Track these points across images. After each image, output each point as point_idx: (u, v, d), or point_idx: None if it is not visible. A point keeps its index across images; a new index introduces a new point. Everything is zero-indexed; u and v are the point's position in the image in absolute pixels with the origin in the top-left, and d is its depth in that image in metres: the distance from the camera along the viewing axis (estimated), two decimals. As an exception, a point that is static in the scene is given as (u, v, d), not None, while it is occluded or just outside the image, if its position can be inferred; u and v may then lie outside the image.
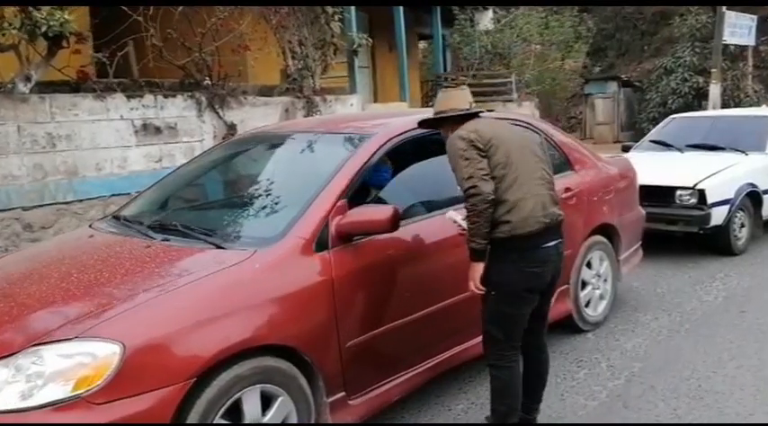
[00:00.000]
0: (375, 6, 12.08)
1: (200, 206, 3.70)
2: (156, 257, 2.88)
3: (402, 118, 3.83)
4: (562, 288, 4.43)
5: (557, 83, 20.11)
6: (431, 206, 3.56)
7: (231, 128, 7.16)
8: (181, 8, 6.85)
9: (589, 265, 4.69)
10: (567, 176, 4.50)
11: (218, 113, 7.15)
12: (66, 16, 5.39)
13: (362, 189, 3.75)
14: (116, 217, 3.70)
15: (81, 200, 6.01)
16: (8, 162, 5.59)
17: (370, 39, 10.07)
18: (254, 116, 7.49)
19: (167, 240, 3.08)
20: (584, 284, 4.66)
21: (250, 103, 7.57)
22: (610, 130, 19.76)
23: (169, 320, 2.44)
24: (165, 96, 6.75)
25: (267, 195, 3.39)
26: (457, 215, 3.23)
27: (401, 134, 3.48)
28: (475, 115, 3.25)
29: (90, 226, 3.66)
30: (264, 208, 3.30)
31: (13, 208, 5.64)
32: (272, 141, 3.91)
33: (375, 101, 13.33)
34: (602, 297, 4.83)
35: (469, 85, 12.37)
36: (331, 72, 10.48)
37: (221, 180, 3.76)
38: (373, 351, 3.12)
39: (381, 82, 14.35)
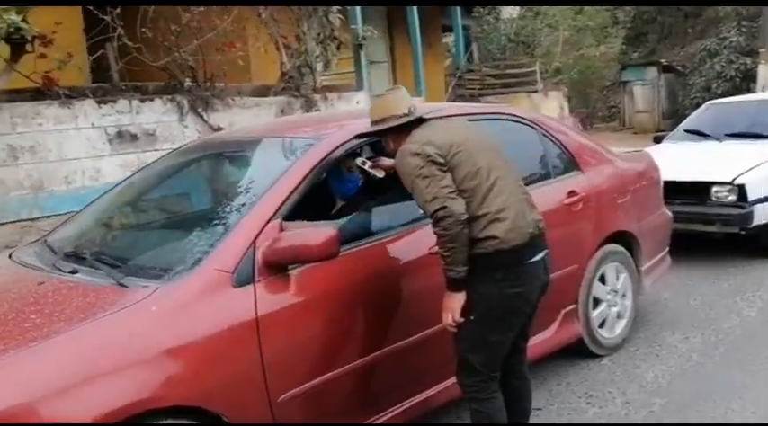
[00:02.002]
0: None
1: (125, 228, 3.25)
2: (41, 299, 2.43)
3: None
4: (568, 308, 3.88)
5: (592, 71, 19.36)
6: (395, 222, 3.05)
7: (218, 131, 6.74)
8: (152, 7, 6.46)
9: (603, 280, 4.12)
10: (571, 178, 3.93)
11: (201, 117, 6.74)
12: (14, 18, 5.02)
13: (324, 200, 3.29)
14: (45, 242, 3.29)
15: (49, 216, 5.65)
16: (-36, 178, 5.27)
17: (374, 32, 9.56)
18: (244, 118, 7.07)
19: (75, 272, 2.64)
20: (596, 302, 4.09)
21: (239, 105, 7.15)
22: (650, 119, 18.91)
23: (29, 385, 1.98)
24: (142, 100, 6.38)
25: (192, 216, 2.94)
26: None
27: (356, 138, 2.98)
28: (420, 120, 2.76)
29: (10, 255, 3.24)
30: (184, 232, 2.83)
31: (-28, 228, 5.32)
32: (216, 150, 3.43)
33: (392, 97, 12.79)
34: (619, 316, 4.25)
35: (492, 76, 11.83)
36: (339, 68, 10.03)
37: (154, 196, 3.32)
38: (317, 404, 2.63)
39: (402, 77, 13.81)
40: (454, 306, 2.61)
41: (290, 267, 2.55)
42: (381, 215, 3.06)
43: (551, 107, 12.50)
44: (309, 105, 7.82)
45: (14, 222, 5.53)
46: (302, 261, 2.51)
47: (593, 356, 4.09)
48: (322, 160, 2.83)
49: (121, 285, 2.41)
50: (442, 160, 2.57)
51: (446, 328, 2.67)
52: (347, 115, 3.85)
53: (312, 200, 3.08)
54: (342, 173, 3.10)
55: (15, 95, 5.84)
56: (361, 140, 3.00)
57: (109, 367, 2.09)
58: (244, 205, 2.65)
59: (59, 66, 5.85)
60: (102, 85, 6.45)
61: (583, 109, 20.69)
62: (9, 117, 5.49)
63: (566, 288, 3.80)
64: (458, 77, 12.86)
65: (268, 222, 2.57)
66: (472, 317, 2.62)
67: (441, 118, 2.92)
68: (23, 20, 5.33)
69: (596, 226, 3.98)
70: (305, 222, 2.74)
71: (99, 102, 6.05)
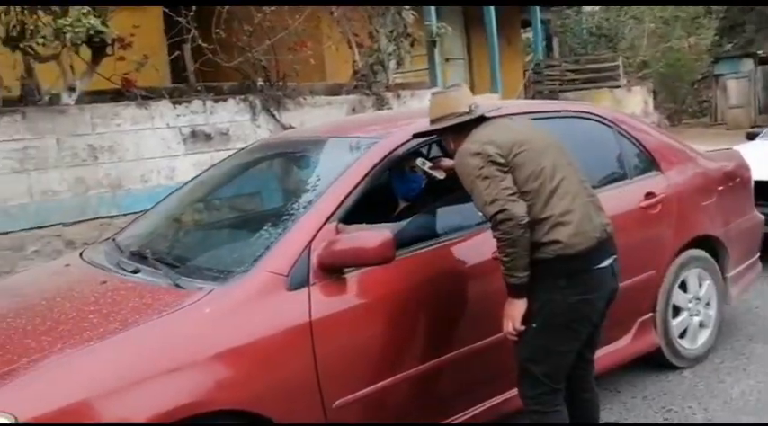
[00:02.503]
0: None
1: (187, 228, 3.28)
2: (100, 298, 2.48)
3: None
4: (645, 317, 3.69)
5: (681, 64, 18.56)
6: (459, 224, 2.96)
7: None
8: (226, 8, 6.57)
9: (684, 287, 3.90)
10: (649, 178, 3.73)
11: (273, 116, 6.81)
12: (93, 22, 5.19)
13: (388, 202, 3.24)
14: (114, 240, 3.38)
15: (125, 214, 5.82)
16: (48, 177, 5.48)
17: (449, 28, 9.43)
18: (315, 117, 7.09)
19: (137, 272, 2.68)
20: (677, 310, 3.87)
21: (310, 104, 7.18)
22: (745, 114, 17.97)
23: (79, 385, 2.00)
24: (216, 100, 6.49)
25: (250, 218, 2.93)
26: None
27: (415, 138, 2.90)
28: (481, 119, 2.66)
29: (81, 253, 3.33)
30: (242, 233, 2.84)
31: (54, 225, 5.53)
32: (277, 150, 3.43)
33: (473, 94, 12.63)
34: (702, 325, 4.01)
35: (572, 71, 11.52)
36: (412, 65, 9.97)
37: (216, 197, 3.34)
38: (375, 411, 2.58)
39: (478, 73, 13.63)
40: (514, 313, 2.52)
41: (345, 270, 2.51)
42: (444, 217, 2.97)
43: (635, 102, 12.04)
44: (381, 103, 7.78)
45: (94, 219, 5.72)
46: (357, 264, 2.47)
47: (673, 368, 3.87)
48: (381, 160, 2.78)
49: (178, 286, 2.43)
50: (502, 160, 2.48)
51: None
52: (414, 113, 3.77)
53: (374, 201, 3.04)
54: (404, 173, 3.03)
55: (96, 97, 6.06)
56: (425, 139, 2.93)
57: (161, 369, 2.10)
58: (300, 207, 2.62)
59: (137, 68, 6.03)
60: (179, 86, 6.61)
61: (671, 104, 19.86)
62: (89, 118, 5.69)
63: (642, 296, 3.61)
64: (536, 73, 12.55)
65: (324, 224, 2.53)
66: (534, 325, 2.52)
67: (504, 116, 2.81)
68: (103, 23, 5.52)
69: (676, 230, 3.76)
70: (363, 225, 2.70)
71: (174, 103, 6.19)
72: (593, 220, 2.54)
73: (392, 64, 8.34)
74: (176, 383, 2.10)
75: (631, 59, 13.61)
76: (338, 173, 2.71)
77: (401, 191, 3.11)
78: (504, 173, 2.47)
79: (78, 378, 2.02)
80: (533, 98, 12.85)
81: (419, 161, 2.91)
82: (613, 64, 12.82)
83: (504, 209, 2.40)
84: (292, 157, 3.24)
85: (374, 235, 2.43)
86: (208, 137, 6.40)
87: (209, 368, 2.17)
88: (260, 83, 6.82)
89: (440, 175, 2.91)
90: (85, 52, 5.84)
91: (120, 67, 6.09)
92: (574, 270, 2.48)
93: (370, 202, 2.85)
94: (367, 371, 2.54)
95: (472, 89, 12.37)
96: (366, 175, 2.71)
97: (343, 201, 2.61)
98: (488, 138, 2.53)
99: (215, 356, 2.19)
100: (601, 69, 13.03)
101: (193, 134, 6.33)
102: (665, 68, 16.41)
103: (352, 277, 2.53)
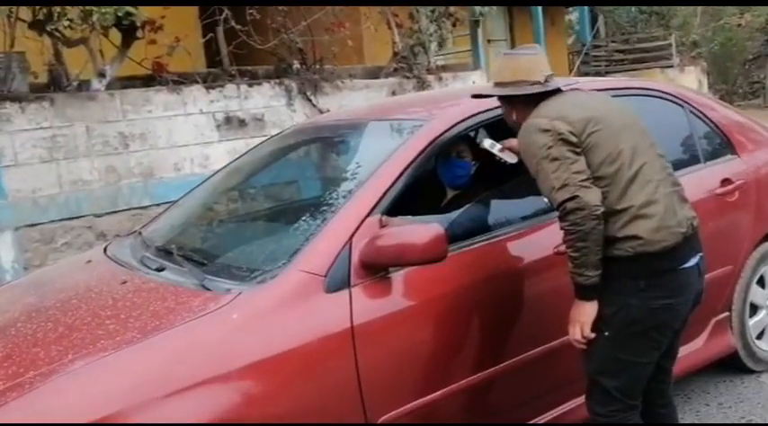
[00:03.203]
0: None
1: (218, 221, 3.02)
2: (119, 301, 2.23)
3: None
4: (720, 316, 3.34)
5: (733, 43, 17.79)
6: (517, 215, 2.66)
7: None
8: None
9: (762, 283, 3.53)
10: (726, 163, 3.37)
11: (310, 100, 6.54)
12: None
13: (436, 191, 2.95)
14: (140, 234, 3.15)
15: (158, 204, 5.63)
16: (78, 166, 5.31)
17: (492, 8, 9.04)
18: (354, 101, 6.80)
19: (161, 270, 2.44)
20: (754, 309, 3.51)
21: (348, 87, 6.89)
22: (802, 95, 17.13)
23: (90, 405, 1.76)
24: (250, 85, 6.24)
25: (284, 210, 2.67)
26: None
27: (468, 119, 2.60)
28: (554, 92, 2.34)
29: (105, 248, 3.10)
30: (275, 227, 2.58)
31: (85, 216, 5.36)
32: (314, 136, 3.14)
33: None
34: (782, 325, 3.65)
35: (620, 52, 11.02)
36: (454, 46, 9.62)
37: (249, 187, 3.08)
38: (424, 426, 2.30)
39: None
40: (583, 318, 2.20)
41: (390, 269, 2.23)
42: (500, 207, 2.67)
43: (688, 83, 11.46)
44: (422, 86, 7.45)
45: (126, 210, 5.54)
46: (404, 263, 2.18)
47: (750, 372, 3.52)
48: (429, 145, 2.48)
49: (204, 287, 2.18)
50: (575, 139, 2.15)
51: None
52: (460, 93, 3.46)
53: (421, 191, 2.76)
54: (450, 159, 2.74)
55: (128, 83, 5.87)
56: (476, 121, 2.62)
57: (181, 384, 1.85)
58: (340, 197, 2.35)
59: (169, 51, 5.81)
60: (212, 71, 6.38)
61: (722, 85, 19.07)
62: (120, 104, 5.49)
63: (718, 293, 3.26)
64: (583, 54, 12.06)
65: (366, 217, 2.25)
66: (606, 334, 2.20)
67: (576, 91, 2.48)
68: (133, 5, 5.31)
69: (756, 220, 3.39)
70: (409, 217, 2.42)
71: (207, 88, 5.96)
72: (678, 213, 2.21)
73: (433, 45, 7.99)
74: (198, 400, 1.85)
75: (684, 38, 12.98)
76: (381, 159, 2.43)
77: (447, 179, 2.82)
78: (577, 154, 2.15)
79: (88, 397, 1.78)
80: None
81: (487, 143, 2.58)
82: (665, 42, 12.23)
83: (576, 196, 2.08)
84: (330, 143, 2.96)
85: (424, 230, 2.14)
86: (242, 122, 6.17)
87: (235, 382, 1.91)
88: (296, 66, 6.55)
89: (511, 159, 2.58)
90: (115, 36, 5.64)
91: (152, 51, 5.87)
92: (655, 270, 2.16)
93: (417, 192, 2.57)
94: (416, 383, 2.26)
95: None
96: (412, 162, 2.41)
97: (387, 191, 2.33)
98: (559, 113, 2.20)
99: (243, 369, 1.93)
100: (652, 48, 12.45)
101: (227, 120, 6.09)
102: (718, 48, 15.67)
103: (398, 276, 2.24)
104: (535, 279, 2.53)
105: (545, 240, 2.55)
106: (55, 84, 5.38)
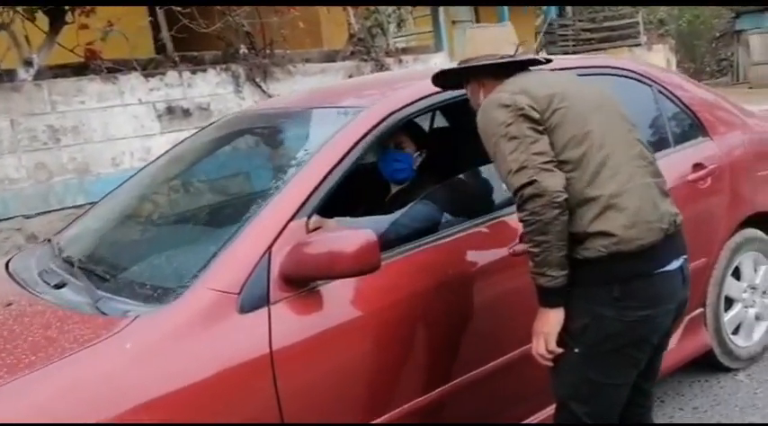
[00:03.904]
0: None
1: (132, 226, 2.66)
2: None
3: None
4: (694, 313, 3.11)
5: (701, 21, 17.76)
6: (467, 213, 2.37)
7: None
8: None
9: (737, 274, 3.30)
10: (697, 146, 3.12)
11: (260, 87, 6.19)
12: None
13: (381, 186, 2.66)
14: (51, 242, 2.79)
15: (95, 202, 5.26)
16: (3, 163, 4.91)
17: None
18: (308, 87, 6.47)
19: (61, 287, 2.11)
20: (729, 302, 3.29)
21: (301, 72, 6.55)
22: (769, 72, 17.12)
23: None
24: (194, 72, 5.87)
25: (204, 214, 2.34)
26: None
27: (409, 105, 2.30)
28: (521, 66, 2.05)
29: (8, 261, 2.73)
30: (188, 235, 2.25)
31: (13, 217, 4.97)
32: (245, 126, 2.79)
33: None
34: (759, 318, 3.42)
35: (587, 30, 10.82)
36: (415, 27, 9.30)
37: (170, 186, 2.73)
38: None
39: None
40: (547, 328, 1.91)
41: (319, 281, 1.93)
42: (449, 203, 2.38)
43: (656, 61, 11.28)
44: (381, 69, 7.14)
45: (59, 210, 5.16)
46: (330, 276, 1.88)
47: (726, 370, 3.30)
48: (365, 135, 2.17)
49: (98, 310, 1.86)
50: (537, 115, 1.87)
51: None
52: (416, 74, 3.15)
53: (362, 188, 2.46)
54: (388, 150, 2.44)
55: (60, 72, 5.45)
56: (418, 107, 2.32)
57: (60, 433, 1.53)
58: (260, 199, 2.02)
59: (102, 37, 5.41)
60: (154, 57, 6.00)
61: (690, 63, 19.05)
62: (48, 95, 5.09)
63: (692, 289, 3.00)
64: (548, 33, 11.83)
65: (289, 222, 1.95)
66: (576, 350, 1.92)
67: (543, 69, 2.20)
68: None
69: (730, 208, 3.15)
70: (347, 219, 2.12)
71: (146, 76, 5.58)
72: (659, 207, 1.93)
73: (392, 26, 7.68)
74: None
75: (651, 16, 12.81)
76: (310, 153, 2.12)
77: (387, 174, 2.53)
78: (539, 133, 1.86)
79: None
80: (546, 60, 12.16)
81: None
82: (632, 20, 12.04)
83: (534, 181, 1.80)
84: (261, 134, 2.63)
85: (352, 236, 1.83)
86: (186, 112, 5.80)
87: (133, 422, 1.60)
88: (242, 50, 6.19)
89: None
90: (43, 21, 5.24)
91: (85, 37, 5.46)
92: (631, 274, 1.87)
93: (356, 189, 2.28)
94: (351, 411, 1.97)
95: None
96: (346, 155, 2.10)
97: (315, 190, 2.02)
98: (522, 88, 1.92)
99: (136, 409, 1.62)
100: (619, 27, 12.26)
101: (169, 110, 5.72)
102: (685, 26, 15.58)
103: (329, 289, 1.94)
104: (490, 284, 2.25)
105: (502, 239, 2.27)
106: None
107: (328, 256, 1.84)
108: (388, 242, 2.14)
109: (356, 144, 2.13)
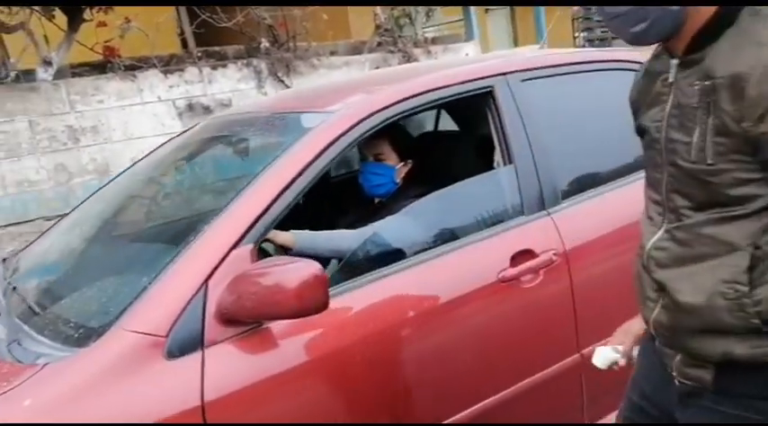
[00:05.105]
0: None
1: (81, 249, 2.28)
2: None
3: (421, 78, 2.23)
4: None
5: None
6: (448, 232, 2.01)
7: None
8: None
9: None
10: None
11: (283, 82, 5.88)
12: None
13: (359, 200, 2.32)
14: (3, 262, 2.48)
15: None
16: (22, 165, 4.74)
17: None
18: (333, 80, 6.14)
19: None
20: None
21: (326, 65, 6.22)
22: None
23: None
24: (214, 67, 5.60)
25: (147, 238, 2.03)
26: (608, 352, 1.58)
27: (384, 110, 1.93)
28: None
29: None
30: (130, 262, 1.93)
31: (33, 220, 4.80)
32: (214, 133, 2.37)
33: (516, 46, 11.38)
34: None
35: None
36: (445, 16, 8.85)
37: (124, 206, 2.35)
38: None
39: (522, 24, 12.27)
40: None
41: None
42: (431, 219, 2.02)
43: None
44: (408, 61, 6.74)
45: (80, 210, 4.98)
46: (268, 317, 1.55)
47: None
48: (329, 146, 1.82)
49: (10, 357, 1.58)
50: None
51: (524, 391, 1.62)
52: (411, 71, 2.78)
53: (348, 198, 2.12)
54: (366, 163, 2.10)
55: (80, 70, 5.26)
56: (395, 112, 1.96)
57: None
58: (202, 221, 1.70)
59: (120, 34, 5.18)
60: (175, 53, 5.75)
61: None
62: (66, 94, 4.89)
63: None
64: (586, 19, 11.19)
65: (232, 249, 1.62)
66: None
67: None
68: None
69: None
70: (305, 232, 1.80)
71: (165, 73, 5.33)
72: None
73: (420, 16, 7.25)
74: None
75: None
76: (263, 167, 1.78)
77: (366, 189, 2.17)
78: None
79: None
80: (583, 47, 11.51)
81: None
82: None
83: None
84: (223, 144, 2.28)
85: (293, 271, 1.50)
86: (207, 109, 5.52)
87: None
88: (264, 44, 5.88)
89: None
90: (61, 20, 5.03)
91: (103, 35, 5.25)
92: None
93: (324, 207, 1.94)
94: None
95: (515, 40, 10.99)
96: (304, 169, 1.76)
97: (265, 211, 1.69)
98: None
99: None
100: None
101: (190, 107, 5.46)
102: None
103: (280, 327, 1.62)
104: (473, 316, 1.89)
105: (486, 263, 1.91)
106: (-8, 77, 4.79)
107: (264, 294, 1.51)
108: (353, 265, 1.81)
109: (317, 156, 1.79)
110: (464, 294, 1.85)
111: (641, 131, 1.40)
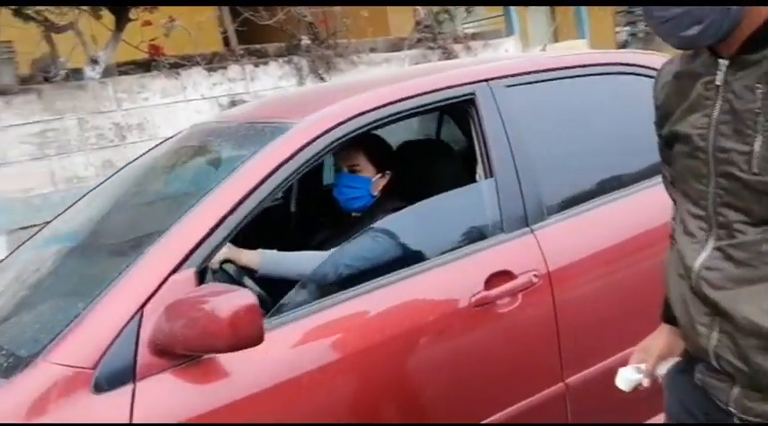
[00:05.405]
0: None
1: (40, 270, 2.05)
2: None
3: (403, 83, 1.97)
4: None
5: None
6: (419, 251, 1.76)
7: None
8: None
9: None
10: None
11: (323, 79, 5.68)
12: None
13: (336, 214, 2.09)
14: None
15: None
16: (71, 161, 4.70)
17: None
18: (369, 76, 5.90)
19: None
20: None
21: (366, 62, 5.98)
22: None
23: None
24: (256, 65, 5.44)
25: (98, 258, 1.84)
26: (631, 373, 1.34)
27: (353, 119, 1.69)
28: None
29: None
30: (71, 287, 1.74)
31: (83, 212, 4.80)
32: (190, 143, 2.11)
33: (556, 41, 10.79)
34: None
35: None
36: (487, 12, 8.44)
37: (89, 221, 2.16)
38: None
39: (563, 18, 11.62)
40: None
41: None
42: (402, 237, 1.78)
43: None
44: (448, 57, 6.43)
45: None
46: (201, 349, 1.36)
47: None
48: (287, 161, 1.60)
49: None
50: None
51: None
52: (411, 73, 2.52)
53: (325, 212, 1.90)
54: (340, 175, 1.87)
55: (127, 68, 5.20)
56: (367, 121, 1.72)
57: None
58: (146, 242, 1.52)
59: (165, 32, 5.08)
60: (217, 51, 5.62)
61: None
62: (113, 92, 4.83)
63: None
64: (629, 13, 10.52)
65: (171, 273, 1.43)
66: None
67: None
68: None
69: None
70: (265, 252, 1.59)
71: (208, 70, 5.21)
72: None
73: (461, 11, 6.91)
74: None
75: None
76: (213, 184, 1.58)
77: (341, 203, 1.94)
78: None
79: None
80: (625, 42, 10.84)
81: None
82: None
83: None
84: (190, 156, 2.06)
85: (224, 301, 1.30)
86: (249, 106, 5.39)
87: None
88: (304, 41, 5.68)
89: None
90: (108, 19, 4.96)
91: (149, 34, 5.16)
92: None
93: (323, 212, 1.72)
94: None
95: (555, 36, 10.40)
96: (257, 187, 1.55)
97: (211, 232, 1.49)
98: None
99: None
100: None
101: (233, 104, 5.31)
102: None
103: (220, 360, 1.42)
104: (441, 344, 1.64)
105: (458, 285, 1.66)
106: (43, 75, 4.76)
107: (196, 324, 1.32)
108: (316, 286, 1.59)
109: (272, 173, 1.57)
110: (432, 320, 1.61)
111: (673, 138, 1.17)
